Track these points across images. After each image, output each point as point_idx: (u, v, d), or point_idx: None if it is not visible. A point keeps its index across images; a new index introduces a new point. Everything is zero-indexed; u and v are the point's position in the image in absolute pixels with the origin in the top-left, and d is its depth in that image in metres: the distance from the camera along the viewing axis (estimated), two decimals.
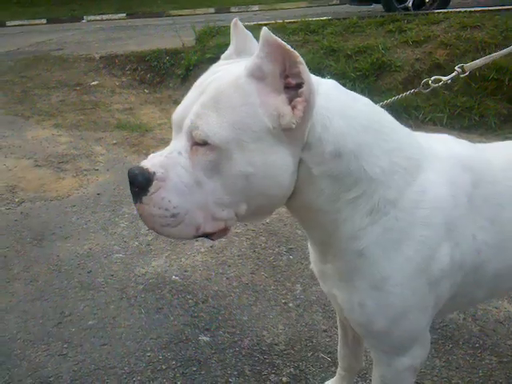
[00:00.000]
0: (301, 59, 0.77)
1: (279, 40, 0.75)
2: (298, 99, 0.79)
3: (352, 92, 0.92)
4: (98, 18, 9.85)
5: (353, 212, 0.89)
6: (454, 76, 1.20)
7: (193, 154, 0.82)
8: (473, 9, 5.11)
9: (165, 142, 3.66)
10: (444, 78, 1.19)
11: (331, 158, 0.84)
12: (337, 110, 0.85)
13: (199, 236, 0.87)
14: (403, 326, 0.98)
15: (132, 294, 2.05)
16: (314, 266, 1.12)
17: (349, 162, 0.85)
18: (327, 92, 0.86)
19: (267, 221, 2.58)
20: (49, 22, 9.86)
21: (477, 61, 1.23)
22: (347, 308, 1.01)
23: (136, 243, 2.43)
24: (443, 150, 1.00)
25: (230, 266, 2.25)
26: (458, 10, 5.08)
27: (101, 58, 5.62)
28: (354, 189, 0.87)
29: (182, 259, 2.30)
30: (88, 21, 9.84)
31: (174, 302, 1.99)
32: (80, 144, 3.66)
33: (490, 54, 1.30)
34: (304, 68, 0.77)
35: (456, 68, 1.21)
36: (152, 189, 0.82)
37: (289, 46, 0.76)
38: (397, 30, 4.44)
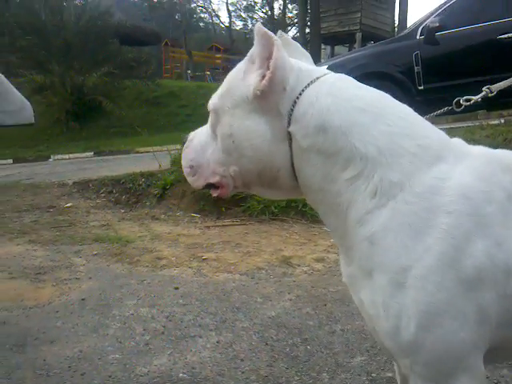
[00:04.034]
0: (277, 42, 0.93)
1: (264, 29, 0.94)
2: (267, 72, 0.94)
3: (362, 84, 1.00)
4: (66, 156, 10.08)
5: (355, 194, 0.91)
6: (483, 95, 1.28)
7: (209, 122, 1.08)
8: None
9: (148, 251, 3.52)
10: (474, 98, 1.26)
11: (316, 132, 0.93)
12: (327, 91, 0.95)
13: (206, 186, 1.11)
14: (437, 335, 0.84)
15: None
16: (342, 271, 1.05)
17: (335, 138, 0.92)
18: (327, 79, 0.98)
19: (273, 314, 2.41)
20: (15, 162, 9.97)
21: (502, 82, 1.31)
22: (373, 314, 0.91)
23: (132, 343, 2.16)
24: (478, 150, 0.98)
25: (242, 360, 2.01)
26: None
27: (74, 183, 5.62)
28: (350, 168, 0.91)
29: (188, 356, 2.05)
30: (55, 160, 10.02)
31: None
32: (58, 257, 3.44)
33: None
34: (276, 48, 0.93)
35: (484, 88, 1.28)
36: (185, 146, 1.14)
37: (271, 33, 0.94)
38: None
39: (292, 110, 0.95)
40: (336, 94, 0.94)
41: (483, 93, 1.28)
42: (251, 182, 1.05)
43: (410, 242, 0.85)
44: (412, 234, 0.85)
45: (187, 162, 1.12)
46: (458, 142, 0.99)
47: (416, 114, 0.98)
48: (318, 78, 0.98)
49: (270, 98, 0.95)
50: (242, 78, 0.99)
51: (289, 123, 0.95)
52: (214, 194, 1.11)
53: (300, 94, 0.95)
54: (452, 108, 1.29)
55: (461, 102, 1.28)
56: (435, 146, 0.92)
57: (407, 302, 0.84)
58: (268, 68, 0.93)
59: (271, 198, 1.20)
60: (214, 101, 1.05)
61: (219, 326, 2.31)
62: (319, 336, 2.18)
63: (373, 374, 1.88)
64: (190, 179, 1.13)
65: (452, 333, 0.84)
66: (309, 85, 0.97)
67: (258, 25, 0.95)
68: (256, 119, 0.97)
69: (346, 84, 0.99)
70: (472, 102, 1.27)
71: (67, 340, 2.20)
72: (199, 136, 1.11)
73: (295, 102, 0.95)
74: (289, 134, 0.96)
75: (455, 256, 0.83)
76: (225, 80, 1.06)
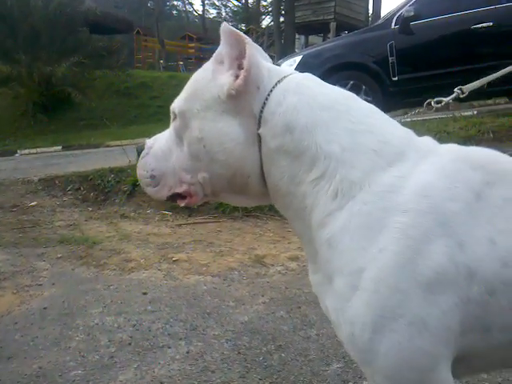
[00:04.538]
0: (248, 40, 0.90)
1: (232, 28, 0.91)
2: (241, 71, 0.90)
3: (327, 83, 0.98)
4: (33, 151, 9.73)
5: (318, 196, 0.88)
6: (455, 97, 1.24)
7: (171, 127, 1.02)
8: None
9: (116, 252, 3.37)
10: (445, 99, 1.22)
11: (283, 132, 0.90)
12: (293, 90, 0.92)
13: (171, 196, 1.03)
14: (392, 342, 0.77)
15: None
16: (311, 280, 0.99)
17: (301, 137, 0.89)
18: (294, 78, 0.95)
19: (246, 319, 2.31)
20: None
21: (474, 82, 1.28)
22: (335, 321, 0.86)
23: (96, 357, 2.03)
24: (448, 147, 0.92)
25: (213, 371, 1.91)
26: None
27: (40, 180, 5.38)
28: (314, 169, 0.88)
29: (155, 369, 1.94)
30: (21, 154, 9.67)
31: None
32: (19, 261, 3.26)
33: None
34: (248, 46, 0.89)
35: (455, 90, 1.25)
36: (142, 154, 1.05)
37: (240, 32, 0.91)
38: None
39: (262, 110, 0.92)
40: (302, 92, 0.92)
41: (455, 94, 1.24)
42: (221, 189, 1.00)
43: (366, 243, 0.81)
44: (368, 234, 0.82)
45: (147, 172, 1.03)
46: (426, 141, 0.94)
47: (382, 112, 0.95)
48: (285, 77, 0.95)
49: (244, 98, 0.92)
50: (211, 78, 0.95)
51: (259, 125, 0.92)
52: (182, 203, 1.05)
53: (269, 94, 0.93)
54: (422, 110, 1.27)
55: (432, 103, 1.24)
56: (398, 143, 0.89)
57: (361, 306, 0.80)
58: (240, 67, 0.91)
59: (240, 205, 1.14)
60: (178, 104, 1.00)
61: (189, 334, 2.20)
62: (294, 342, 2.09)
63: (349, 383, 1.80)
64: (150, 190, 1.05)
65: (409, 339, 0.77)
66: (276, 84, 0.94)
67: (224, 24, 0.93)
68: (229, 121, 0.93)
69: (312, 83, 0.96)
70: (443, 103, 1.23)
71: (26, 355, 2.06)
72: (160, 142, 1.04)
73: (265, 103, 0.92)
74: (258, 136, 0.93)
75: (411, 257, 0.78)
76: (189, 83, 1.01)
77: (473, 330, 0.80)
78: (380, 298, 0.78)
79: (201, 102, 0.95)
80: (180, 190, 1.02)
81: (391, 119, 0.95)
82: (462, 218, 0.80)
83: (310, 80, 0.97)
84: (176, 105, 1.00)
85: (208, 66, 0.98)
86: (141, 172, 1.05)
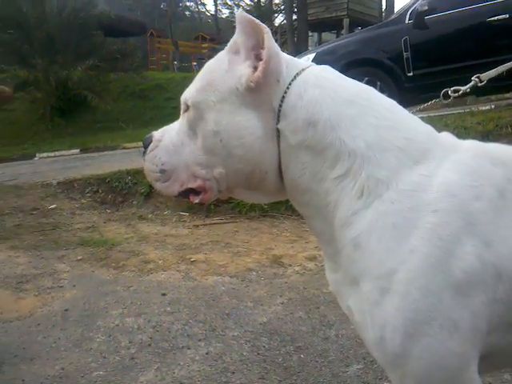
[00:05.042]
0: (267, 30, 0.86)
1: (249, 16, 0.87)
2: (260, 62, 0.87)
3: (345, 76, 0.95)
4: (51, 154, 9.85)
5: (343, 194, 0.85)
6: (472, 85, 1.20)
7: (183, 119, 0.97)
8: None
9: (135, 254, 3.40)
10: (463, 88, 1.19)
11: (305, 126, 0.87)
12: (314, 83, 0.89)
13: (183, 192, 0.98)
14: (424, 345, 0.76)
15: None
16: (328, 279, 0.98)
17: (324, 132, 0.86)
18: (313, 70, 0.92)
19: (264, 320, 2.31)
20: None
21: (491, 71, 1.24)
22: (360, 323, 0.84)
23: (117, 358, 2.06)
24: (468, 144, 0.91)
25: (233, 372, 1.92)
26: None
27: (58, 183, 5.45)
28: (338, 165, 0.85)
29: (175, 370, 1.95)
30: (40, 158, 9.81)
31: None
32: (41, 263, 3.31)
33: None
34: (268, 36, 0.85)
35: (473, 78, 1.21)
36: (150, 148, 0.99)
37: (258, 21, 0.86)
38: None
39: (281, 104, 0.88)
40: (323, 85, 0.89)
41: (472, 82, 1.21)
42: (237, 184, 0.96)
43: (395, 244, 0.79)
44: (396, 235, 0.80)
45: (157, 166, 0.98)
46: (446, 136, 0.93)
47: (401, 107, 0.94)
48: (303, 70, 0.92)
49: (264, 90, 0.88)
50: (227, 69, 0.91)
51: (278, 119, 0.89)
52: (195, 200, 0.99)
53: (288, 88, 0.89)
54: (439, 99, 1.23)
55: (449, 93, 1.20)
56: (422, 140, 0.87)
57: (392, 309, 0.78)
58: (259, 58, 0.87)
59: (255, 201, 1.11)
60: (191, 95, 0.94)
61: (208, 335, 2.21)
62: (313, 343, 2.09)
63: None
64: (159, 186, 0.99)
65: (441, 342, 0.77)
66: (295, 77, 0.90)
67: (241, 12, 0.88)
68: (247, 114, 0.89)
69: (332, 75, 0.94)
70: (461, 92, 1.19)
71: (48, 356, 2.09)
72: (170, 135, 0.99)
73: (284, 96, 0.89)
74: (277, 131, 0.89)
75: (442, 258, 0.77)
76: (202, 73, 0.96)
77: (497, 329, 0.80)
78: (412, 301, 0.77)
79: (216, 93, 0.91)
80: (194, 185, 0.97)
81: (412, 114, 0.93)
82: (488, 217, 0.80)
83: (330, 72, 0.94)
84: (188, 95, 0.95)
85: (222, 55, 0.94)
86: (149, 166, 0.99)
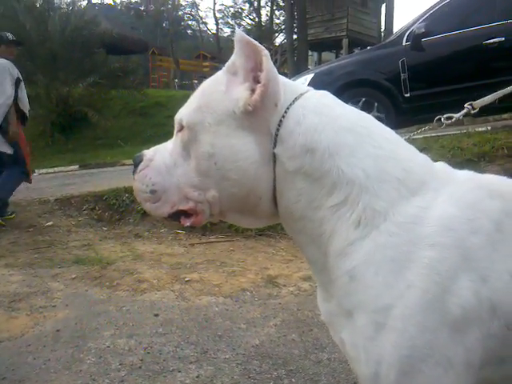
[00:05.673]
0: (265, 52, 0.85)
1: (249, 38, 0.86)
2: (258, 85, 0.85)
3: (343, 103, 0.94)
4: (51, 170, 9.89)
5: (339, 223, 0.84)
6: (465, 113, 1.21)
7: (176, 139, 0.95)
8: None
9: (129, 273, 3.39)
10: (455, 115, 1.19)
11: (303, 153, 0.86)
12: (313, 109, 0.88)
13: (173, 214, 0.96)
14: (419, 382, 0.76)
15: None
16: (321, 308, 0.96)
17: (322, 160, 0.85)
18: (312, 95, 0.91)
19: (257, 342, 2.29)
20: None
21: (485, 98, 1.24)
22: (354, 357, 0.82)
23: (107, 381, 2.03)
24: (464, 175, 0.90)
25: None
26: None
27: (56, 200, 5.45)
28: (335, 193, 0.84)
29: None
30: (40, 174, 9.83)
31: None
32: (34, 282, 3.29)
33: None
34: (266, 59, 0.84)
35: (466, 105, 1.22)
36: (140, 167, 0.97)
37: (257, 42, 0.85)
38: None
39: (278, 128, 0.87)
40: (322, 112, 0.88)
41: (465, 110, 1.22)
42: (230, 208, 0.94)
43: (392, 278, 0.78)
44: (394, 268, 0.78)
45: (147, 186, 0.95)
46: (442, 167, 0.92)
47: (398, 135, 0.93)
48: (301, 94, 0.91)
49: (261, 114, 0.87)
50: (225, 90, 0.89)
51: (275, 144, 0.87)
52: (186, 223, 0.97)
53: (286, 112, 0.88)
54: (432, 125, 1.25)
55: (442, 120, 1.21)
56: (419, 172, 0.86)
57: (388, 345, 0.76)
58: (257, 81, 0.86)
59: (247, 226, 1.09)
60: (187, 115, 0.92)
61: (200, 357, 2.19)
62: (304, 367, 2.07)
63: None
64: (149, 206, 0.97)
65: (436, 379, 0.76)
66: (294, 101, 0.89)
67: (240, 32, 0.87)
68: (243, 138, 0.87)
69: (331, 102, 0.93)
70: (453, 119, 1.20)
71: (37, 378, 2.06)
72: (162, 155, 0.96)
73: (281, 121, 0.87)
74: (273, 155, 0.88)
75: (439, 294, 0.76)
76: (198, 93, 0.95)
77: (489, 363, 0.80)
78: (409, 338, 0.75)
79: (213, 115, 0.89)
80: (185, 207, 0.94)
81: (409, 144, 0.93)
82: (485, 252, 0.79)
83: (329, 98, 0.93)
84: (184, 116, 0.93)
85: (220, 76, 0.92)
86: (139, 186, 0.97)
